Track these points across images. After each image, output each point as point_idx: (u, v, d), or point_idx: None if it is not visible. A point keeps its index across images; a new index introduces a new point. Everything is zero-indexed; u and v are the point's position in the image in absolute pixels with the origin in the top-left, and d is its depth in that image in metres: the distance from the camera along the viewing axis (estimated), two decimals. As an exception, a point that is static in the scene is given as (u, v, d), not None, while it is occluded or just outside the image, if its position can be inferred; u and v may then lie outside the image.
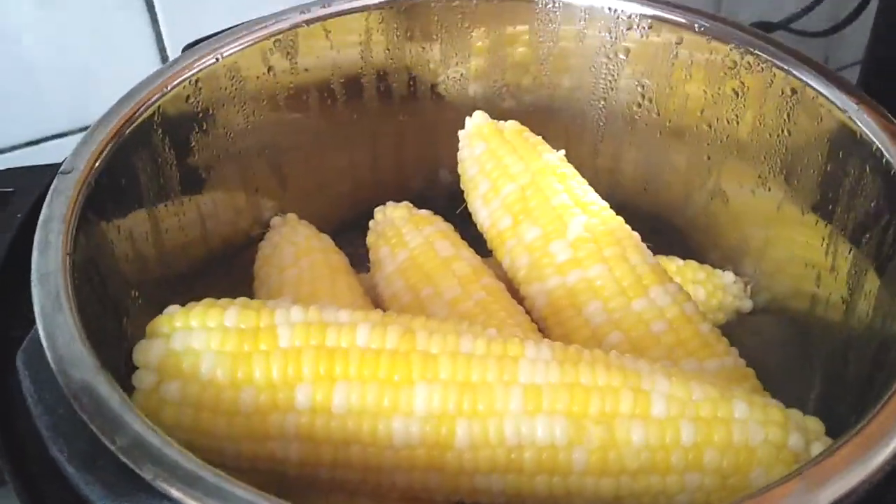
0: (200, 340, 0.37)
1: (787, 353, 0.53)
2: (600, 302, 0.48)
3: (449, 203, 0.58)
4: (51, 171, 0.44)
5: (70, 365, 0.33)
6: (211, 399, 0.36)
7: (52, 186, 0.41)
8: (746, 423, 0.37)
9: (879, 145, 0.43)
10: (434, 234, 0.53)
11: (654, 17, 0.54)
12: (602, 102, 0.59)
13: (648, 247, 0.51)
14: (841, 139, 0.46)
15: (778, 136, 0.50)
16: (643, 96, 0.57)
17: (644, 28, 0.54)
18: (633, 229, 0.52)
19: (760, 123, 0.51)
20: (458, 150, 0.58)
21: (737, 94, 0.52)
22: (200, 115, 0.50)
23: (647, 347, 0.46)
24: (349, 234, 0.58)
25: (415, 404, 0.36)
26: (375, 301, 0.53)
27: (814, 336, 0.50)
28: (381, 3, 0.55)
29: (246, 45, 0.52)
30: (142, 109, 0.46)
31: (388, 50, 0.57)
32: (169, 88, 0.47)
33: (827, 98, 0.46)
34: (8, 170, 0.49)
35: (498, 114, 0.58)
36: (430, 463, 0.37)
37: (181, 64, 0.49)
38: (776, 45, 0.50)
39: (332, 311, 0.39)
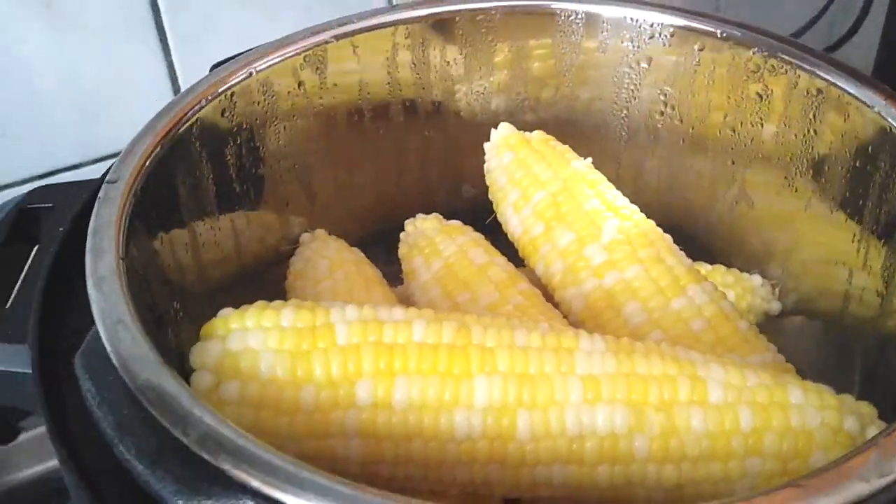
0: (258, 340, 0.37)
1: (819, 353, 0.54)
2: (639, 302, 0.48)
3: (473, 217, 0.58)
4: (88, 186, 0.45)
5: (135, 363, 0.33)
6: (271, 398, 0.36)
7: (99, 195, 0.41)
8: (803, 408, 0.37)
9: (910, 139, 0.44)
10: (467, 243, 0.53)
11: (676, 26, 0.55)
12: (624, 112, 0.59)
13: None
14: (870, 135, 0.47)
15: (804, 136, 0.51)
16: (666, 104, 0.58)
17: (666, 36, 0.55)
18: (659, 236, 0.52)
19: (786, 125, 0.52)
20: (481, 164, 0.59)
21: (760, 98, 0.53)
22: (235, 129, 0.51)
23: (687, 345, 0.45)
24: (373, 248, 0.58)
25: (475, 397, 0.36)
26: (411, 311, 0.53)
27: (848, 335, 0.51)
28: (407, 18, 0.56)
29: (277, 60, 0.52)
30: (182, 121, 0.46)
31: (414, 65, 0.58)
32: (207, 101, 0.48)
33: (854, 96, 0.47)
34: (46, 186, 0.49)
35: (520, 127, 0.59)
36: (491, 455, 0.37)
37: (216, 77, 0.50)
38: (800, 47, 0.51)
39: (386, 309, 0.39)
